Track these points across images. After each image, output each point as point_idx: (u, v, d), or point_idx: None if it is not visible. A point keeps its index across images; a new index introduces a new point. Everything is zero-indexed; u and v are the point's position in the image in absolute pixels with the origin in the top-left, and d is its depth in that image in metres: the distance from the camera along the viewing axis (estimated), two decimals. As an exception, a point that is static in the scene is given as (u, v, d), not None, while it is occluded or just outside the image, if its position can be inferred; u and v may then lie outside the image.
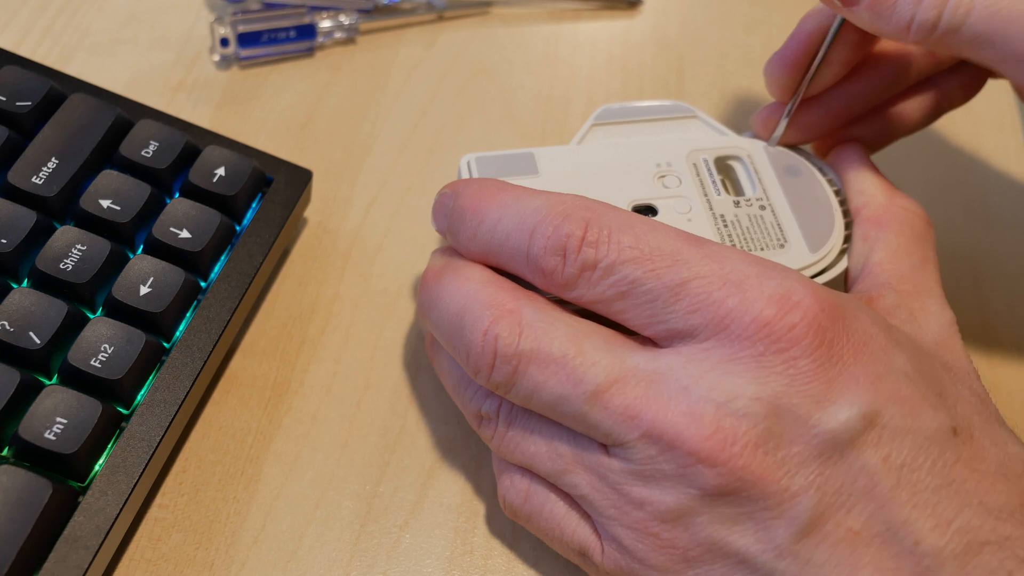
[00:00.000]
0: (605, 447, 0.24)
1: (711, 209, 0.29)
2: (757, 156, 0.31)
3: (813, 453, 0.22)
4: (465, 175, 0.30)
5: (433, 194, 0.36)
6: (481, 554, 0.28)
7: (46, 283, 0.28)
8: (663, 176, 0.30)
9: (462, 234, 0.26)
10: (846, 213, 0.30)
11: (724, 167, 0.31)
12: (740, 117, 0.40)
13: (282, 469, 0.29)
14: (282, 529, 0.28)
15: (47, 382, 0.26)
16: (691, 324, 0.23)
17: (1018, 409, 0.33)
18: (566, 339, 0.23)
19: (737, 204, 0.30)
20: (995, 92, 0.42)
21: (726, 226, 0.29)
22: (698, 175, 0.30)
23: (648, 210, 0.29)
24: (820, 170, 0.31)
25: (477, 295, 0.25)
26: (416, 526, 0.28)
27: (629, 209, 0.29)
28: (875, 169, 0.30)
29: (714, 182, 0.30)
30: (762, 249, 0.29)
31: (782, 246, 0.29)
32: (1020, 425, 0.32)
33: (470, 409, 0.27)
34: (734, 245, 0.28)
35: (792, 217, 0.29)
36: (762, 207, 0.30)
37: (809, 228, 0.29)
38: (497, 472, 0.27)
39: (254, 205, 0.32)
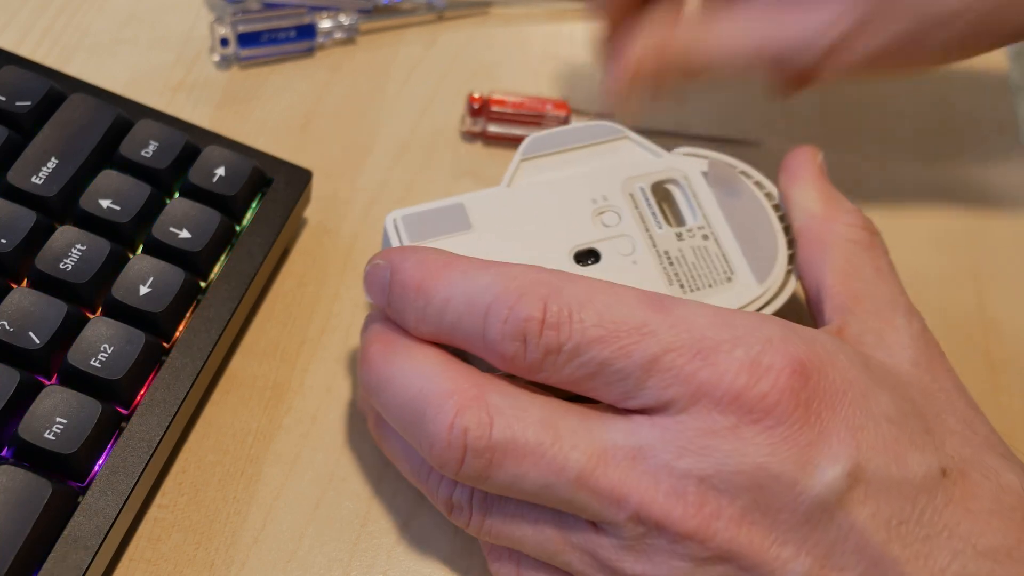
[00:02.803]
0: (593, 523, 0.23)
1: (654, 246, 0.28)
2: (693, 177, 0.30)
3: (801, 519, 0.21)
4: (392, 236, 0.28)
5: (433, 194, 0.36)
6: (481, 554, 0.28)
7: (46, 283, 0.28)
8: (601, 213, 0.29)
9: (408, 315, 0.24)
10: (787, 230, 0.29)
11: (661, 192, 0.30)
12: (740, 115, 0.40)
13: (282, 469, 0.29)
14: (282, 529, 0.28)
15: (47, 382, 0.26)
16: (665, 398, 0.22)
17: (1019, 410, 0.33)
18: (540, 425, 0.22)
19: (680, 237, 0.29)
20: (996, 92, 0.42)
21: (671, 264, 0.28)
22: (636, 208, 0.29)
23: (590, 254, 0.28)
24: (758, 184, 0.30)
25: (435, 381, 0.23)
26: (416, 526, 0.28)
27: (571, 257, 0.28)
28: (817, 177, 0.29)
29: (654, 213, 0.29)
30: (710, 286, 0.28)
31: (729, 280, 0.28)
32: (1020, 424, 0.33)
33: (438, 498, 0.25)
34: (681, 285, 0.28)
35: (736, 245, 0.29)
36: (705, 236, 0.29)
37: (754, 255, 0.29)
38: (485, 550, 0.26)
39: (254, 205, 0.32)
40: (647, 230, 0.29)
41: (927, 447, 0.22)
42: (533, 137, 0.30)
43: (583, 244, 0.28)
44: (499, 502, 0.24)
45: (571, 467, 0.22)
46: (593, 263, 0.28)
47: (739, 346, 0.22)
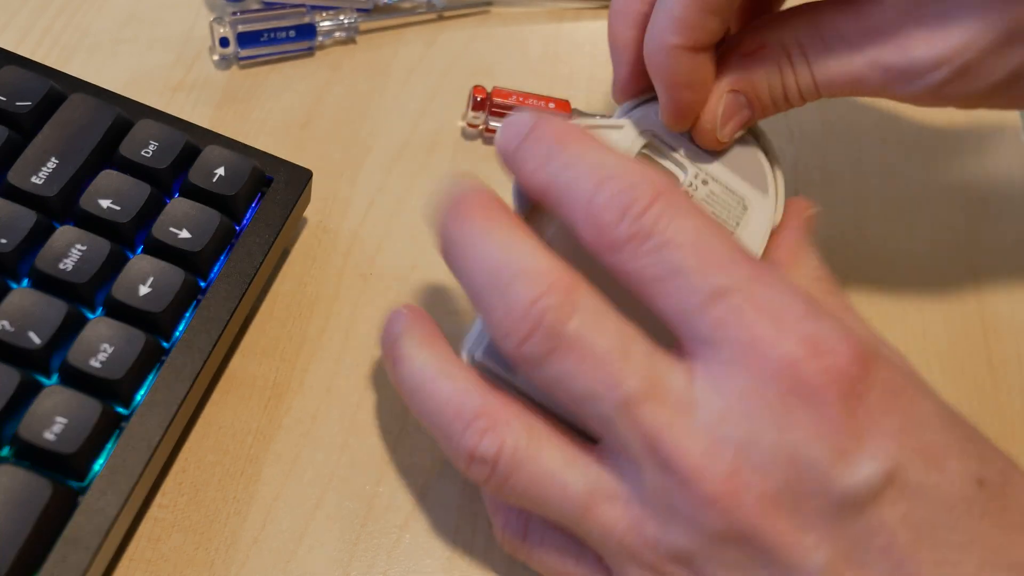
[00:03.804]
0: (617, 474, 0.23)
1: None
2: (658, 128, 0.29)
3: (830, 509, 0.21)
4: None
5: (432, 195, 0.36)
6: (481, 554, 0.28)
7: (46, 283, 0.28)
8: None
9: (530, 159, 0.24)
10: (755, 133, 0.29)
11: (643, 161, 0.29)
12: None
13: (282, 469, 0.29)
14: (282, 529, 0.28)
15: (47, 382, 0.26)
16: (716, 337, 0.22)
17: (1019, 410, 0.33)
18: (613, 337, 0.22)
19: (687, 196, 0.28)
20: (995, 92, 0.42)
21: None
22: None
23: None
24: None
25: (533, 258, 0.23)
26: (416, 526, 0.28)
27: None
28: (795, 230, 0.29)
29: None
30: (737, 224, 0.28)
31: (745, 208, 0.28)
32: (1020, 424, 0.33)
33: (461, 446, 0.24)
34: None
35: (726, 170, 0.28)
36: (704, 182, 0.28)
37: (744, 170, 0.28)
38: (490, 508, 0.26)
39: (254, 205, 0.32)
40: None
41: (967, 455, 0.22)
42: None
43: None
44: (529, 457, 0.23)
45: (622, 389, 0.22)
46: None
47: (808, 319, 0.22)
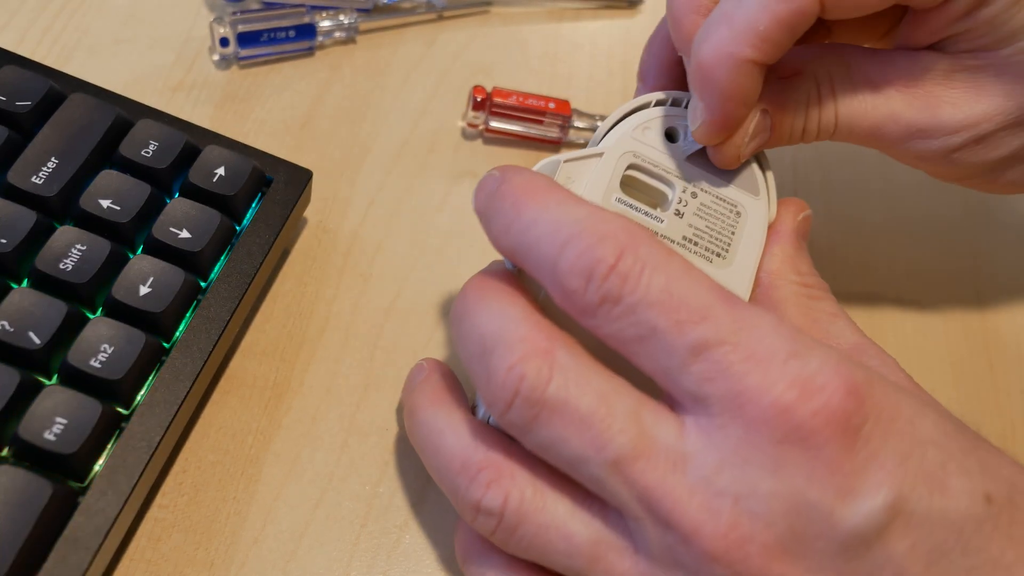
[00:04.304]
0: (625, 530, 0.23)
1: (673, 243, 0.27)
2: (638, 146, 0.28)
3: (837, 550, 0.21)
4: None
5: (433, 195, 0.36)
6: (481, 554, 0.28)
7: (46, 283, 0.28)
8: None
9: (495, 224, 0.24)
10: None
11: (632, 184, 0.28)
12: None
13: (282, 469, 0.29)
14: (282, 529, 0.28)
15: (47, 382, 0.26)
16: (703, 392, 0.21)
17: (1019, 411, 0.33)
18: (596, 396, 0.22)
19: (679, 214, 0.27)
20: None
21: (696, 244, 0.27)
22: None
23: None
24: (674, 106, 0.29)
25: (513, 324, 0.23)
26: (416, 526, 0.28)
27: None
28: (789, 235, 0.28)
29: (646, 213, 0.27)
30: (733, 232, 0.28)
31: (739, 214, 0.28)
32: (1020, 424, 0.33)
33: (466, 499, 0.24)
34: (717, 254, 0.27)
35: (714, 177, 0.28)
36: (693, 195, 0.28)
37: (731, 175, 0.28)
38: (461, 548, 0.26)
39: (254, 205, 0.32)
40: (656, 235, 0.27)
41: (971, 471, 0.22)
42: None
43: None
44: (533, 511, 0.23)
45: (612, 449, 0.22)
46: None
47: (795, 359, 0.21)
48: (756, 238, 0.28)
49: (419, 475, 0.29)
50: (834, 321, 0.27)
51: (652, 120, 0.28)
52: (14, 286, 0.27)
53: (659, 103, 0.29)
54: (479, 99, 0.37)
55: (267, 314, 0.32)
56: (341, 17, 0.40)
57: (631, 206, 0.27)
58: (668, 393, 0.23)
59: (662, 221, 0.27)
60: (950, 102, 0.27)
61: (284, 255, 0.34)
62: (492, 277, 0.25)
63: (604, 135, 0.28)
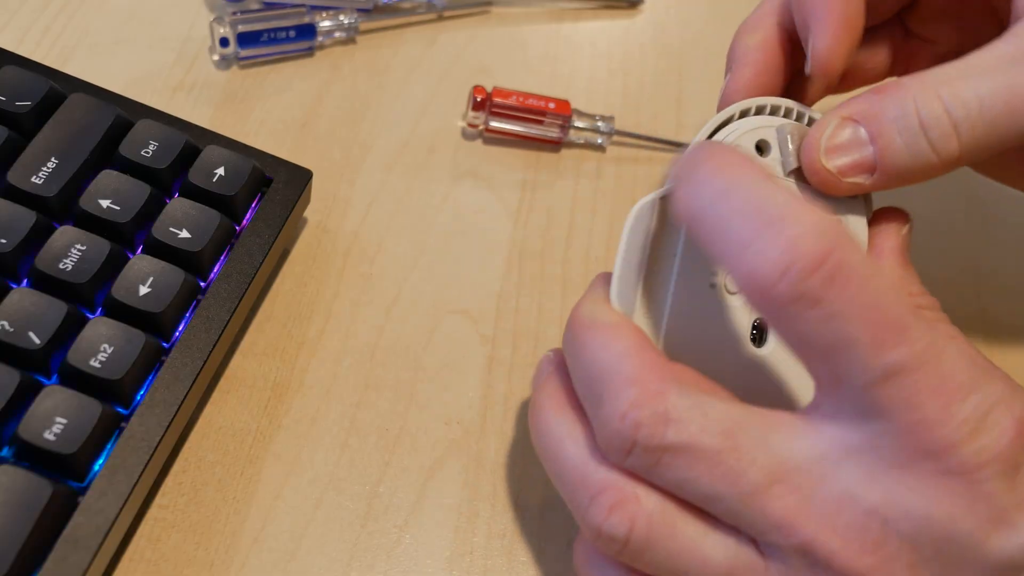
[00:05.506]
0: (757, 546, 0.22)
1: None
2: None
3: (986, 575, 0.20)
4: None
5: (433, 195, 0.36)
6: (481, 554, 0.28)
7: (46, 283, 0.28)
8: (723, 285, 0.26)
9: (686, 186, 0.22)
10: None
11: None
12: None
13: (282, 469, 0.29)
14: (282, 529, 0.28)
15: (47, 382, 0.26)
16: (876, 410, 0.20)
17: (1018, 409, 0.33)
18: (720, 433, 0.21)
19: None
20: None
21: None
22: None
23: (759, 326, 0.26)
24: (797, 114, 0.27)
25: (622, 363, 0.22)
26: (416, 526, 0.28)
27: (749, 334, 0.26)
28: (897, 254, 0.27)
29: None
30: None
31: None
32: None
33: (587, 519, 0.23)
34: None
35: (816, 195, 0.26)
36: None
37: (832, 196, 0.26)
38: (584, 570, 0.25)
39: (254, 205, 0.32)
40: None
41: None
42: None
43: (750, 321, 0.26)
44: (663, 536, 0.22)
45: (746, 482, 0.21)
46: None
47: (975, 393, 0.21)
48: None
49: (419, 475, 0.29)
50: (951, 343, 0.25)
51: (740, 136, 0.26)
52: (14, 286, 0.27)
53: (743, 114, 0.26)
54: (479, 99, 0.37)
55: (267, 314, 0.32)
56: (341, 17, 0.40)
57: None
58: (827, 396, 0.21)
59: None
60: None
61: (284, 255, 0.34)
62: (596, 303, 0.24)
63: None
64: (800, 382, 0.26)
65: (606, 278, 0.25)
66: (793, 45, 0.29)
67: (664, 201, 0.25)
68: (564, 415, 0.24)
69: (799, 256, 0.20)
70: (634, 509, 0.22)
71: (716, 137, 0.26)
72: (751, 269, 0.20)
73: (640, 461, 0.22)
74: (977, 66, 0.24)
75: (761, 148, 0.26)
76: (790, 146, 0.26)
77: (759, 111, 0.27)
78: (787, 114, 0.27)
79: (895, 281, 0.22)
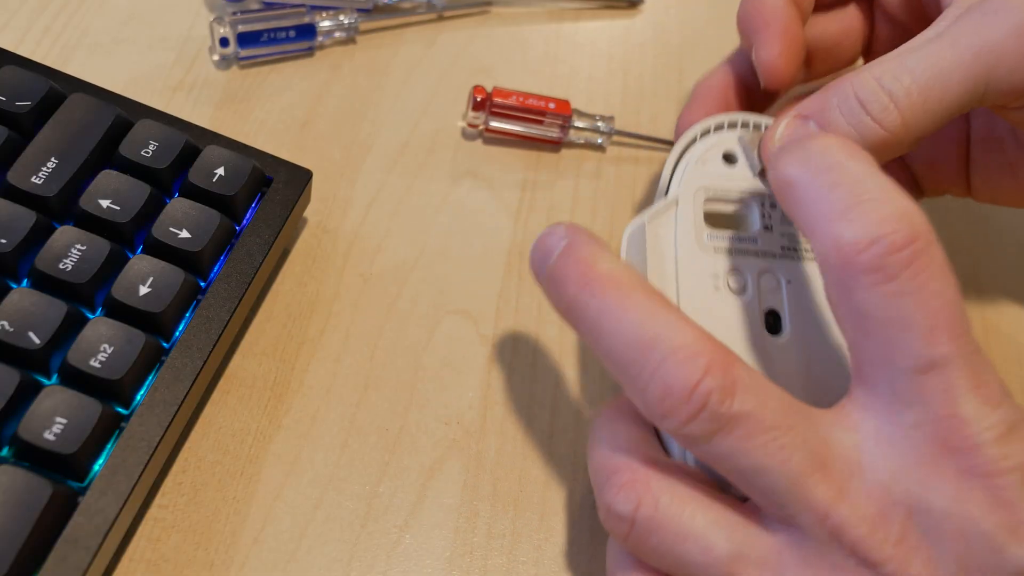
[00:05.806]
0: (768, 540, 0.23)
1: (772, 257, 0.27)
2: (709, 181, 0.28)
3: None
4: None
5: (433, 195, 0.36)
6: (481, 554, 0.28)
7: (46, 283, 0.28)
8: (726, 286, 0.27)
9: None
10: None
11: (714, 221, 0.28)
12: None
13: (282, 469, 0.29)
14: (282, 529, 0.28)
15: (47, 382, 0.26)
16: (913, 399, 0.21)
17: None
18: (779, 409, 0.22)
19: (769, 228, 0.28)
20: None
21: (795, 249, 0.28)
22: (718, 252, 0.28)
23: (770, 314, 0.27)
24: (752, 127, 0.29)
25: (679, 332, 0.22)
26: (416, 526, 0.28)
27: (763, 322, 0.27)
28: None
29: (740, 239, 0.28)
30: None
31: None
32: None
33: (600, 499, 0.24)
34: (810, 253, 0.28)
35: None
36: (773, 205, 0.28)
37: None
38: (614, 568, 0.25)
39: (254, 205, 0.32)
40: (782, 257, 0.28)
41: None
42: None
43: (757, 316, 0.27)
44: (669, 519, 0.23)
45: (795, 463, 0.21)
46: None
47: (1005, 405, 0.21)
48: None
49: (419, 475, 0.29)
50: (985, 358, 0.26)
51: (706, 152, 0.29)
52: (14, 286, 0.27)
53: (704, 134, 0.29)
54: (479, 99, 0.37)
55: (267, 314, 0.32)
56: (341, 17, 0.40)
57: (724, 239, 0.28)
58: (865, 377, 0.22)
59: (756, 241, 0.28)
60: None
61: (284, 255, 0.34)
62: (615, 262, 0.24)
63: (668, 183, 0.29)
64: (819, 374, 0.27)
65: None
66: (748, 87, 0.32)
67: (654, 223, 0.27)
68: (619, 423, 0.25)
69: (891, 231, 0.21)
70: (642, 490, 0.23)
71: (684, 158, 0.29)
72: (840, 233, 0.22)
73: (700, 428, 0.22)
74: (907, 48, 0.27)
75: (728, 158, 0.29)
76: (753, 151, 0.28)
77: (718, 128, 0.29)
78: (745, 126, 0.29)
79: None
